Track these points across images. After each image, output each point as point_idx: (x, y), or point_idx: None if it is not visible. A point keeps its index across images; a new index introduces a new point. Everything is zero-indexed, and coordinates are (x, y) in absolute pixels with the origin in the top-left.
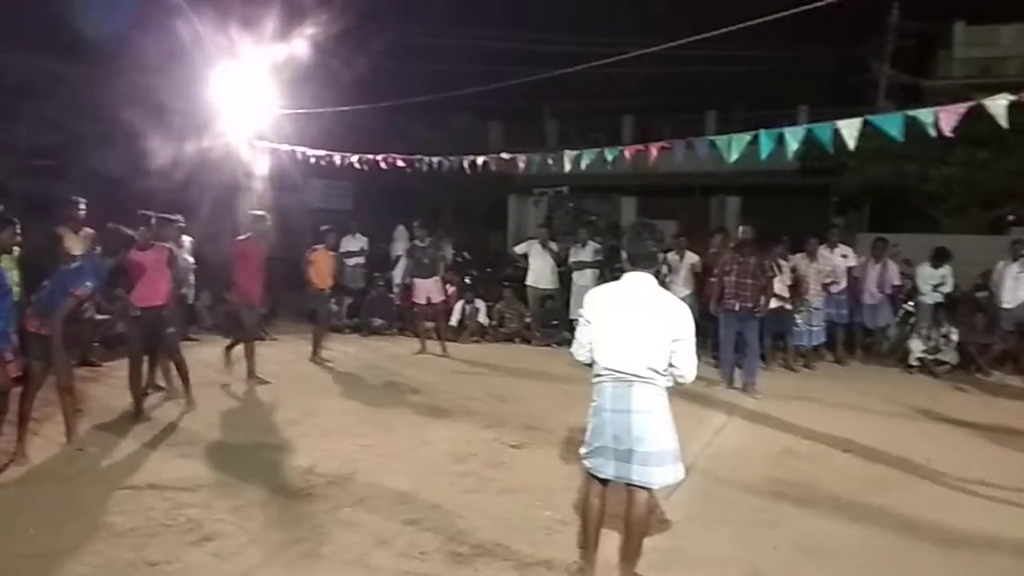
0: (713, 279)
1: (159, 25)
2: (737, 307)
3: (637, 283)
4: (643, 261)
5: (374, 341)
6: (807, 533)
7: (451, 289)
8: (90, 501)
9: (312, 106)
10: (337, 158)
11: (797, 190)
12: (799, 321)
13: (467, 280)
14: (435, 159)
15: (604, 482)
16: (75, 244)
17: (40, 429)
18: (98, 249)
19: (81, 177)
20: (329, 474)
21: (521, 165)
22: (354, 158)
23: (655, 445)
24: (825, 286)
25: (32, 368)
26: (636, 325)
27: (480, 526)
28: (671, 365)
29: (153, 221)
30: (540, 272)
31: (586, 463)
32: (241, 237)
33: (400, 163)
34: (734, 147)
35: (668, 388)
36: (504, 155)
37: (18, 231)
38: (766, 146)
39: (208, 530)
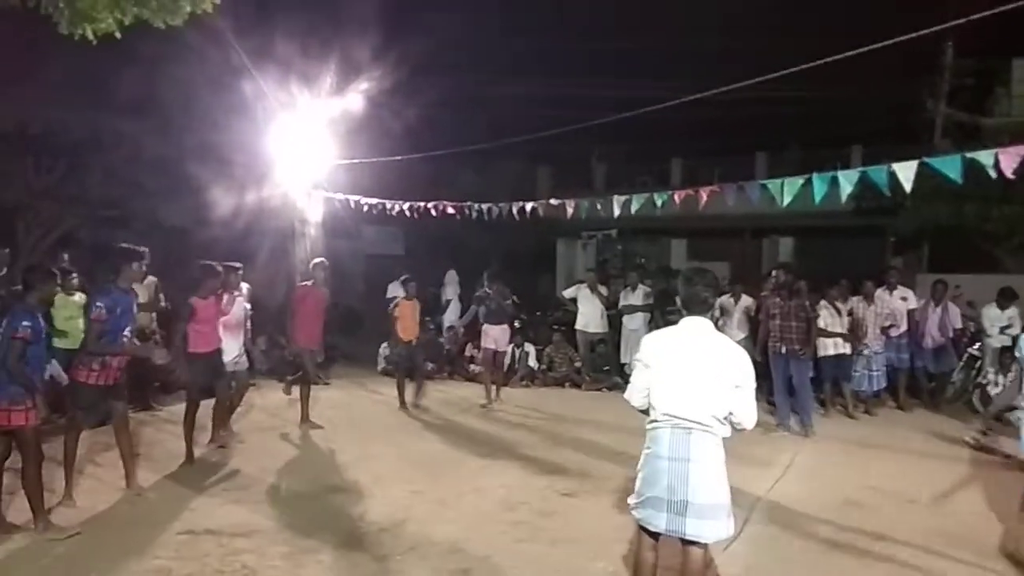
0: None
1: (221, 82)
2: (784, 350)
3: (696, 329)
4: (697, 307)
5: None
6: None
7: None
8: (149, 545)
9: (365, 156)
10: (389, 205)
11: (852, 230)
12: (858, 366)
13: (517, 324)
14: (485, 206)
15: (656, 535)
16: (140, 293)
17: (100, 473)
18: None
19: (145, 227)
20: (380, 521)
21: (570, 211)
22: (405, 206)
23: (711, 497)
24: (884, 330)
25: (76, 416)
26: (697, 371)
27: None
28: (731, 413)
29: (221, 270)
30: (589, 316)
31: (636, 514)
32: (302, 283)
33: (450, 210)
34: (787, 191)
35: (724, 437)
36: (553, 201)
37: (74, 279)
38: (819, 190)
39: None
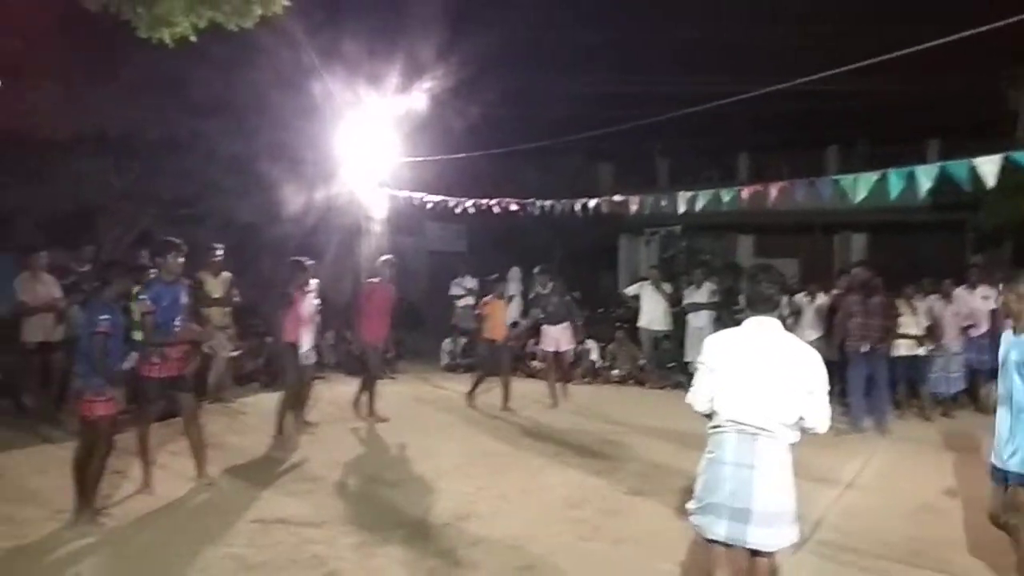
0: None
1: (291, 82)
2: (865, 348)
3: (763, 329)
4: (762, 305)
5: (487, 382)
6: None
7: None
8: (222, 534)
9: (429, 153)
10: (452, 202)
11: (929, 226)
12: (936, 367)
13: (579, 322)
14: (547, 203)
15: (717, 541)
16: (215, 288)
17: (173, 463)
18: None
19: (219, 224)
20: (445, 515)
21: (633, 207)
22: (468, 203)
23: (775, 505)
24: (964, 329)
25: (144, 409)
26: (766, 374)
27: None
28: (802, 418)
29: (307, 265)
30: (653, 313)
31: (694, 520)
32: (370, 280)
33: (513, 207)
34: (860, 187)
35: (792, 443)
36: (616, 197)
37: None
38: (896, 186)
39: (332, 567)
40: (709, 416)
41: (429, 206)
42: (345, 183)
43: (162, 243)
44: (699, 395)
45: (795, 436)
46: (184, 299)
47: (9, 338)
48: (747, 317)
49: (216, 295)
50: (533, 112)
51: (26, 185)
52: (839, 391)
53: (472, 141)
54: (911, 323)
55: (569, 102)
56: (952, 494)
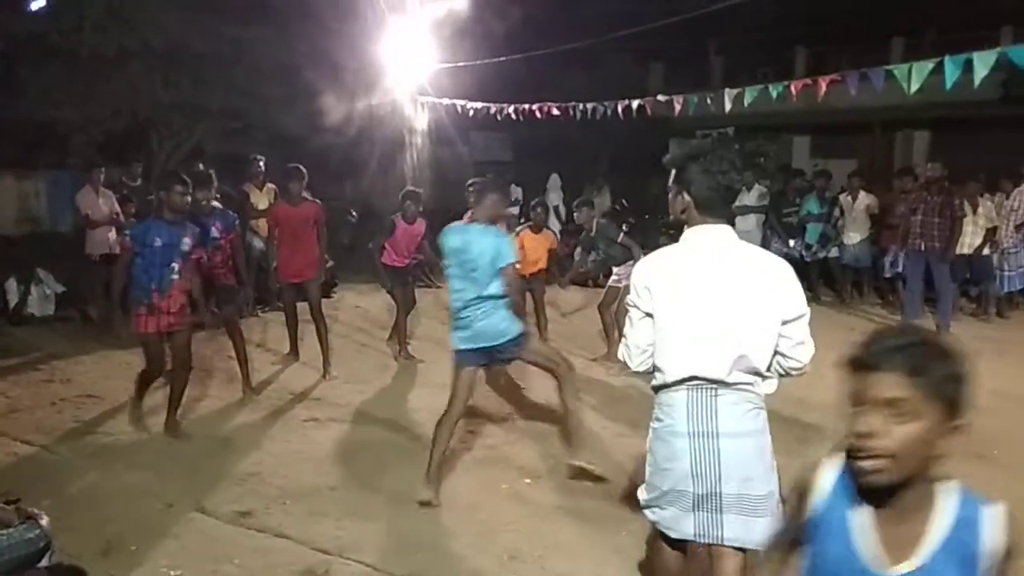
0: (896, 222)
1: None
2: (923, 247)
3: (713, 241)
4: (716, 205)
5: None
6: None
7: None
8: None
9: (469, 59)
10: (493, 109)
11: (998, 122)
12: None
13: (625, 228)
14: (590, 105)
15: (682, 540)
16: (260, 199)
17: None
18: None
19: (266, 136)
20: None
21: (678, 107)
22: (510, 109)
23: (755, 486)
24: (1018, 227)
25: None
26: (723, 305)
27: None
28: (782, 355)
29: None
30: None
31: (650, 515)
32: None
33: (555, 111)
34: (915, 77)
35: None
36: (661, 97)
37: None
38: (952, 74)
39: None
40: (651, 372)
41: (471, 114)
42: (387, 92)
43: (165, 175)
44: (634, 349)
45: (771, 384)
46: (186, 245)
47: (72, 251)
48: (799, 219)
49: (261, 207)
50: (578, 11)
51: (80, 103)
52: (889, 289)
53: (514, 45)
54: (971, 221)
55: None
56: (997, 392)
